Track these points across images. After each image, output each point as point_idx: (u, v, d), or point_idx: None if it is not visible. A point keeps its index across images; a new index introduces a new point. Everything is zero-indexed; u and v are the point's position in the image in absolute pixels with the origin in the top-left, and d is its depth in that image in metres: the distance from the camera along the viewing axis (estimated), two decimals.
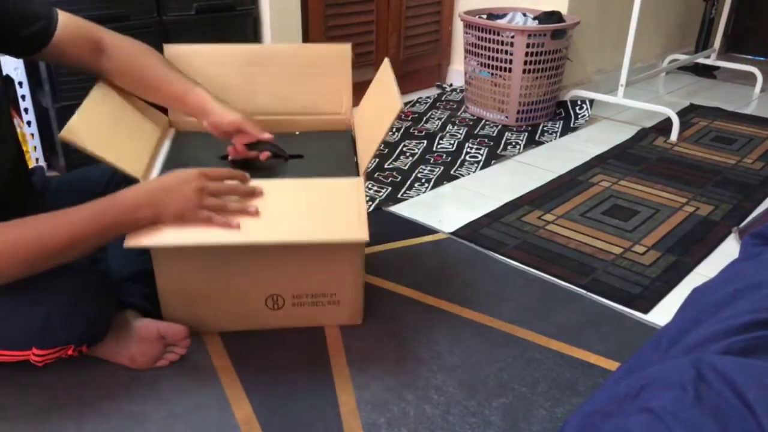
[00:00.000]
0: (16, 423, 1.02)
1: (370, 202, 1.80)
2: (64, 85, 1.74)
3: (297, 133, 1.35)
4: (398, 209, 1.78)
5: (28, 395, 1.08)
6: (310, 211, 1.09)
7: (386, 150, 2.20)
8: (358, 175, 1.16)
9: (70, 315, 1.00)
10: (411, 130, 2.41)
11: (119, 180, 1.31)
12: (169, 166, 1.17)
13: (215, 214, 1.04)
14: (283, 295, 1.22)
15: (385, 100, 1.18)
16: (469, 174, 2.04)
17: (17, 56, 1.16)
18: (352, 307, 1.26)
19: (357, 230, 1.06)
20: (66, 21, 1.11)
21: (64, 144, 1.77)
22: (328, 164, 1.22)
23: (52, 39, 1.09)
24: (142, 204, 1.01)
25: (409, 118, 2.54)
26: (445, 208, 1.80)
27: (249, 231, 1.05)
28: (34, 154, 1.79)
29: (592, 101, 2.59)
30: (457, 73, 2.98)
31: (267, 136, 1.17)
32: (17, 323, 0.99)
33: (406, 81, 2.87)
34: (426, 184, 1.94)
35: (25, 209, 1.19)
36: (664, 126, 2.48)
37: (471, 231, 1.66)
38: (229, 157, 1.21)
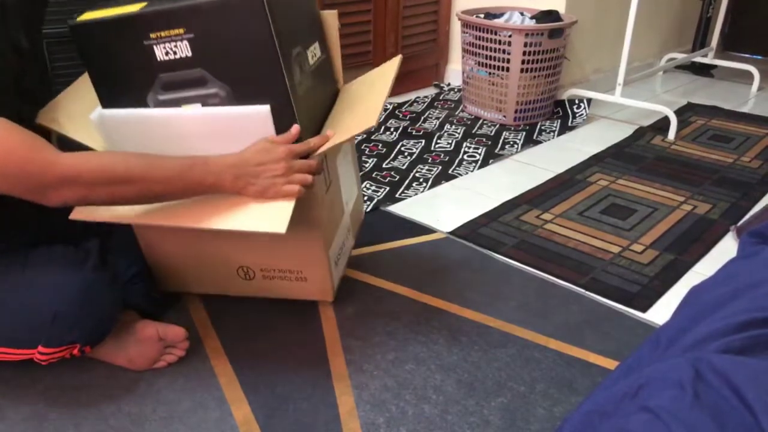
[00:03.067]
0: (14, 424, 1.02)
1: (368, 202, 1.80)
2: (62, 85, 1.74)
3: None
4: (396, 209, 1.78)
5: (25, 396, 1.07)
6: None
7: (384, 150, 2.20)
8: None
9: (80, 315, 1.00)
10: (409, 130, 2.41)
11: None
12: None
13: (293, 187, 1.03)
14: (252, 267, 1.24)
15: (377, 86, 1.17)
16: (467, 173, 2.04)
17: None
18: (320, 286, 1.27)
19: (276, 223, 1.03)
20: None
21: (58, 138, 1.77)
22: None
23: None
24: (229, 176, 1.01)
25: (407, 118, 2.54)
26: (443, 208, 1.80)
27: (176, 215, 1.05)
28: None
29: (589, 100, 2.59)
30: (454, 73, 2.98)
31: None
32: (26, 321, 0.98)
33: (403, 80, 2.87)
34: (424, 184, 1.94)
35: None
36: (662, 125, 2.48)
37: (469, 230, 1.66)
38: None
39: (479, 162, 2.12)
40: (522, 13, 2.56)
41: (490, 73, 2.49)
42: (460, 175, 2.02)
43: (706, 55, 3.24)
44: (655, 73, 3.24)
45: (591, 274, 1.48)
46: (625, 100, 2.51)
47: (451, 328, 1.28)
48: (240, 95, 1.06)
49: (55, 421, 1.03)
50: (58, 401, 1.07)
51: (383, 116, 2.54)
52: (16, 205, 1.13)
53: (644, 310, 1.36)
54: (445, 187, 1.94)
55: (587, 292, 1.42)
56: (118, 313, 1.11)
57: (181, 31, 1.03)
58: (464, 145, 2.27)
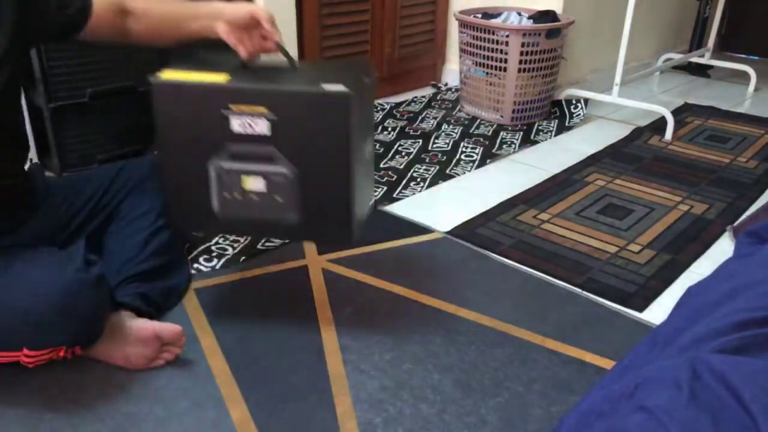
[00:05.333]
0: (9, 424, 1.02)
1: None
2: (59, 85, 1.73)
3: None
4: (394, 209, 1.78)
5: (22, 397, 1.07)
6: None
7: (382, 149, 2.20)
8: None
9: (63, 316, 0.99)
10: (406, 130, 2.41)
11: (124, 178, 1.32)
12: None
13: None
14: None
15: None
16: (464, 173, 2.04)
17: (58, 39, 1.17)
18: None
19: None
20: (96, 4, 1.14)
21: (57, 144, 1.77)
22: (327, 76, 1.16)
23: (91, 15, 1.13)
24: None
25: (405, 118, 2.54)
26: (441, 208, 1.80)
27: None
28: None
29: (586, 100, 2.60)
30: (452, 73, 2.98)
31: (277, 35, 1.17)
32: (8, 323, 0.98)
33: (401, 80, 2.87)
34: (421, 184, 1.94)
35: (37, 208, 1.20)
36: (659, 125, 2.48)
37: (466, 230, 1.67)
38: (246, 56, 1.17)
39: (477, 162, 2.12)
40: (519, 13, 2.56)
41: (487, 73, 2.49)
42: (458, 175, 2.02)
43: (702, 56, 3.24)
44: (652, 74, 3.24)
45: (588, 274, 1.48)
46: (622, 100, 2.52)
47: (448, 328, 1.28)
48: (305, 179, 1.10)
49: (52, 421, 1.02)
50: (54, 401, 1.06)
51: (380, 116, 2.54)
52: (20, 206, 1.13)
53: (641, 310, 1.37)
54: (443, 187, 1.94)
55: (584, 292, 1.42)
56: (105, 314, 1.10)
57: (265, 110, 1.06)
58: (462, 145, 2.27)
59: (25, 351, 1.00)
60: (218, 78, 1.08)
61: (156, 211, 1.30)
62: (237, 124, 1.08)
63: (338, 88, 1.05)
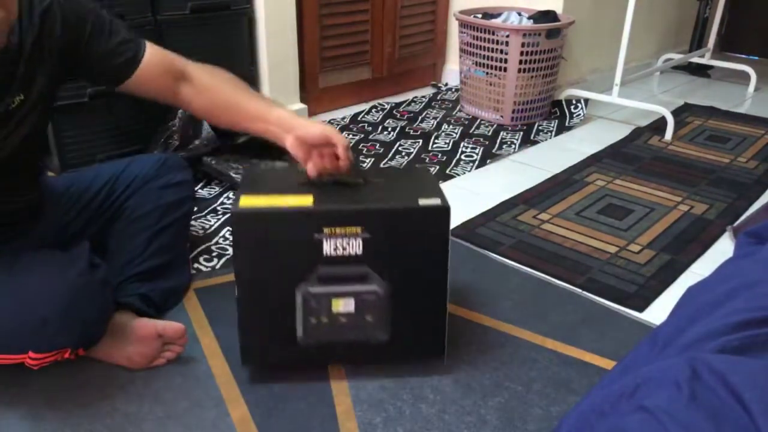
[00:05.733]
0: (10, 424, 1.02)
1: None
2: None
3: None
4: None
5: (23, 396, 1.07)
6: None
7: (382, 149, 2.20)
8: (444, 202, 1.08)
9: (68, 319, 0.99)
10: (406, 130, 2.41)
11: (131, 175, 1.31)
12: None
13: None
14: None
15: None
16: (464, 173, 2.04)
17: (96, 83, 1.15)
18: None
19: None
20: (152, 51, 1.13)
21: (58, 144, 1.77)
22: (411, 188, 1.13)
23: (138, 68, 1.11)
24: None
25: (405, 118, 2.54)
26: None
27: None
28: None
29: (587, 100, 2.60)
30: (452, 73, 2.98)
31: (350, 154, 1.12)
32: (13, 327, 0.98)
33: (401, 80, 2.87)
34: None
35: (43, 208, 1.21)
36: (659, 125, 2.48)
37: (466, 230, 1.67)
38: (314, 174, 1.12)
39: (476, 162, 2.12)
40: (519, 13, 2.56)
41: (487, 73, 2.49)
42: (458, 175, 2.02)
43: (703, 56, 3.24)
44: (652, 74, 3.24)
45: (588, 274, 1.48)
46: (622, 101, 2.52)
47: (448, 328, 1.27)
48: (398, 294, 1.07)
49: (52, 421, 1.02)
50: (54, 401, 1.06)
51: (380, 116, 2.54)
52: (4, 211, 1.13)
53: (641, 310, 1.37)
54: (443, 187, 1.93)
55: (584, 292, 1.42)
56: (108, 315, 1.10)
57: (359, 230, 1.03)
58: (462, 145, 2.27)
59: (31, 354, 1.00)
60: (303, 201, 1.03)
61: (160, 210, 1.29)
62: (329, 247, 1.03)
63: (435, 202, 1.04)
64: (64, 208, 1.26)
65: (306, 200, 1.04)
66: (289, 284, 1.05)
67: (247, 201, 1.03)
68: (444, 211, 1.04)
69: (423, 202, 1.05)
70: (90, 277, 1.04)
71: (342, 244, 1.03)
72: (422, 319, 1.11)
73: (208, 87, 1.16)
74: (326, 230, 1.02)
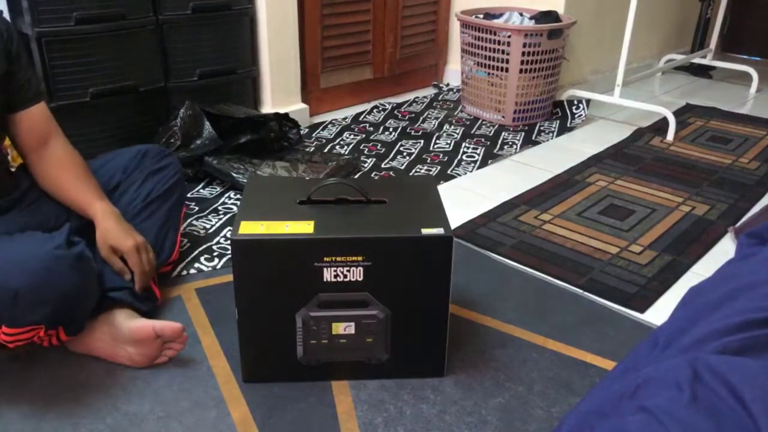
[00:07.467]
0: (11, 423, 1.02)
1: None
2: (60, 85, 1.74)
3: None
4: None
5: (23, 395, 1.07)
6: None
7: (383, 150, 2.20)
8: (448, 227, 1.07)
9: (39, 292, 0.97)
10: (408, 130, 2.41)
11: (97, 176, 1.31)
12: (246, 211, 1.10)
13: None
14: None
15: None
16: (465, 174, 2.04)
17: None
18: None
19: None
20: (45, 108, 1.21)
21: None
22: (415, 212, 1.12)
23: (29, 109, 1.18)
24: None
25: (406, 118, 2.54)
26: None
27: None
28: None
29: (588, 101, 2.59)
30: (453, 73, 2.98)
31: (144, 261, 1.19)
32: None
33: (402, 80, 2.87)
34: None
35: (18, 200, 1.21)
36: (661, 126, 2.48)
37: (467, 230, 1.66)
38: (138, 288, 1.18)
39: (478, 162, 2.12)
40: (521, 14, 2.56)
41: (489, 74, 2.49)
42: (459, 175, 2.02)
43: (704, 57, 3.24)
44: (653, 74, 3.24)
45: (589, 275, 1.48)
46: (623, 101, 2.51)
47: (449, 328, 1.27)
48: (398, 317, 1.08)
49: (53, 421, 1.02)
50: (56, 400, 1.06)
51: (382, 116, 2.54)
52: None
53: (642, 310, 1.36)
54: (444, 187, 1.94)
55: (585, 293, 1.42)
56: (87, 295, 1.08)
57: (361, 258, 1.03)
58: (463, 145, 2.27)
59: (4, 328, 0.99)
60: (303, 228, 1.03)
61: (142, 199, 1.30)
62: (329, 275, 1.03)
63: (438, 231, 1.03)
64: (47, 202, 1.24)
65: (306, 227, 1.03)
66: (289, 309, 1.06)
67: (247, 228, 1.03)
68: (447, 241, 1.03)
69: (426, 231, 1.04)
70: (64, 251, 1.01)
71: (343, 271, 1.03)
72: (422, 342, 1.12)
73: (55, 166, 1.22)
74: (327, 259, 1.02)
